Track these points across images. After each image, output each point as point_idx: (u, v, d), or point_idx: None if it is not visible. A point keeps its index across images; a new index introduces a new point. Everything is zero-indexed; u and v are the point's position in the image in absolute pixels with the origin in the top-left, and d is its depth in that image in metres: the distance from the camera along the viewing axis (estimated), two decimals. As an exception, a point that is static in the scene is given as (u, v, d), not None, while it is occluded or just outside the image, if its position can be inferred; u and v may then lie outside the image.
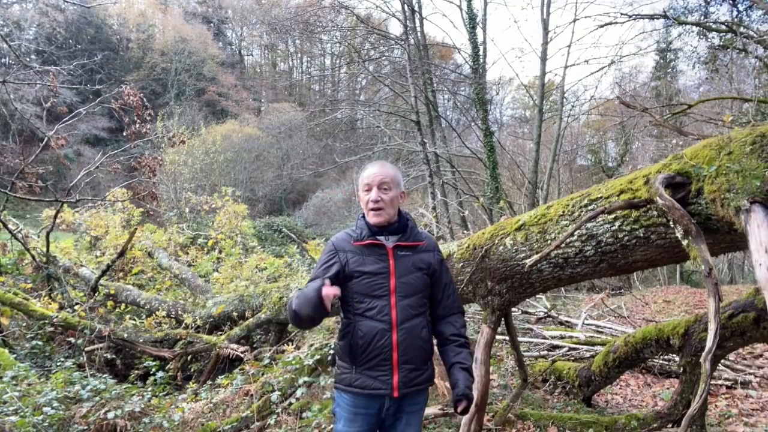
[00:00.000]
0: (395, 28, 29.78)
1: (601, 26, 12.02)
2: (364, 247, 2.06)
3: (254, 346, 5.91)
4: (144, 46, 36.29)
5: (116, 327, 6.05)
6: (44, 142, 6.80)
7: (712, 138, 2.12)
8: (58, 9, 29.70)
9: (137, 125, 7.27)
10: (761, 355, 5.32)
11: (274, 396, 3.87)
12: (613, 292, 13.27)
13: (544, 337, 6.09)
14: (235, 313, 5.96)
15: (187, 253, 9.47)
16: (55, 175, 19.25)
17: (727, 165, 1.91)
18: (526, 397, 4.24)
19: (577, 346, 5.57)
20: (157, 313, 6.48)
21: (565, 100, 16.44)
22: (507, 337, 3.87)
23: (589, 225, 2.39)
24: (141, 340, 5.93)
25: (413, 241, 2.11)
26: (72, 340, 5.72)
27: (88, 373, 4.82)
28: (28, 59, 19.28)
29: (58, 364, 5.12)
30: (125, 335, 5.93)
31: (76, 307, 6.33)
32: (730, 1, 11.90)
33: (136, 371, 5.58)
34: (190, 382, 5.26)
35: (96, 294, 6.88)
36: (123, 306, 6.95)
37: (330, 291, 1.83)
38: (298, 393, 3.84)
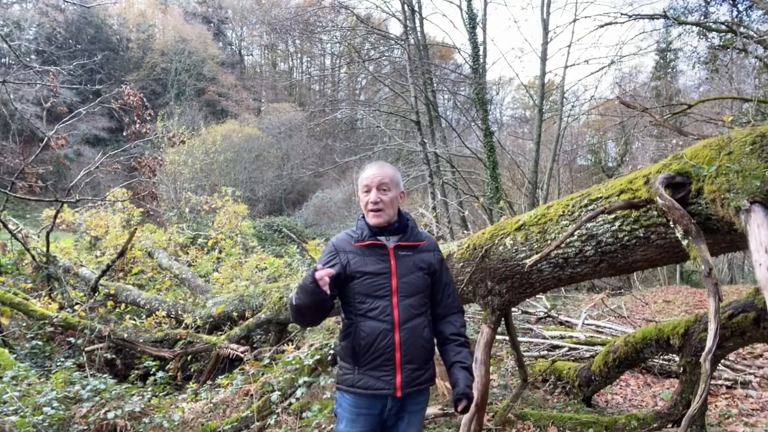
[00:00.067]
0: (395, 28, 29.81)
1: (601, 26, 12.04)
2: (365, 247, 2.06)
3: (254, 346, 5.91)
4: (144, 46, 36.29)
5: (116, 327, 6.05)
6: (44, 142, 6.80)
7: (712, 138, 2.12)
8: (58, 9, 29.70)
9: (137, 125, 7.27)
10: (761, 355, 5.31)
11: (274, 396, 3.87)
12: (613, 292, 13.26)
13: (544, 337, 6.08)
14: (235, 313, 5.96)
15: (187, 253, 9.46)
16: (55, 175, 19.25)
17: (727, 165, 1.91)
18: (526, 397, 4.24)
19: (577, 346, 5.57)
20: (157, 313, 6.48)
21: (565, 100, 16.45)
22: (507, 337, 3.87)
23: (589, 225, 2.39)
24: (141, 340, 5.93)
25: (414, 241, 2.12)
26: (72, 340, 5.72)
27: (88, 373, 4.82)
28: (28, 59, 19.28)
29: (58, 364, 5.12)
30: (125, 335, 5.93)
31: (76, 307, 6.32)
32: (730, 1, 11.91)
33: (136, 371, 5.58)
34: (190, 382, 5.25)
35: (96, 294, 6.87)
36: (123, 306, 6.95)
37: (323, 272, 1.83)
38: (298, 393, 3.84)
